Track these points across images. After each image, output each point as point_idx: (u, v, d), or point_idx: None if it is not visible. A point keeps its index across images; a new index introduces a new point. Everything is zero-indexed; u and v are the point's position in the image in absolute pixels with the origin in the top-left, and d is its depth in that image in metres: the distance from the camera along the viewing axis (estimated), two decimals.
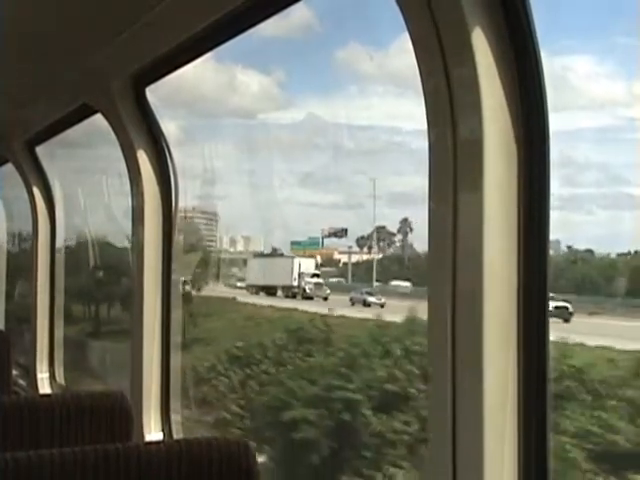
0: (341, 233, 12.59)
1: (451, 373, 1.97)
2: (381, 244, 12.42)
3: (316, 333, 10.47)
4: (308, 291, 12.21)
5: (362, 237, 12.47)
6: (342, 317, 10.78)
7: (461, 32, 1.90)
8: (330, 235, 12.76)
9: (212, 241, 14.31)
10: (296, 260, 12.72)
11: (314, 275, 12.57)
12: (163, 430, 3.84)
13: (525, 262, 1.93)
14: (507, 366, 1.93)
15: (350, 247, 12.60)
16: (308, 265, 12.63)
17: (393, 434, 7.95)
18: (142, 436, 3.71)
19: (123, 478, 1.98)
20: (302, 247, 13.28)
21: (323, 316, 10.81)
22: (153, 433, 3.80)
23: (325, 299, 11.95)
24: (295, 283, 12.47)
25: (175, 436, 3.82)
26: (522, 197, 1.93)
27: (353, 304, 11.35)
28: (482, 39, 1.89)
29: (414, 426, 7.75)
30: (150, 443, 2.83)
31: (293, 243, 13.56)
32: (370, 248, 12.37)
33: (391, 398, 8.31)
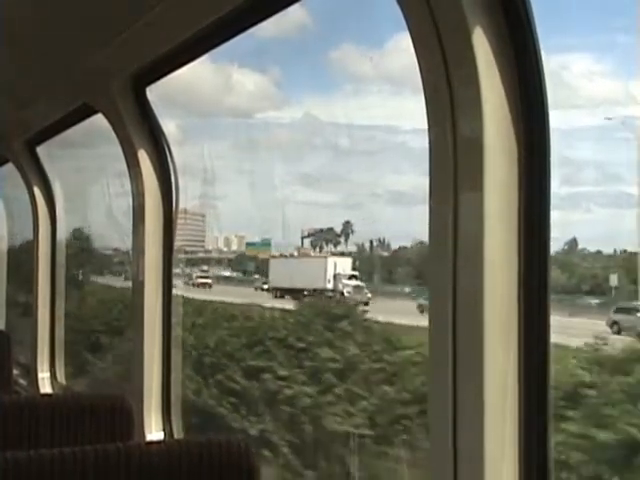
0: (319, 234, 12.02)
1: (452, 373, 1.96)
2: (329, 245, 11.87)
3: None
4: (346, 294, 10.41)
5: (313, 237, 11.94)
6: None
7: (461, 31, 1.89)
8: (309, 236, 12.19)
9: (201, 241, 13.88)
10: (330, 260, 11.04)
11: (352, 277, 10.79)
12: (164, 430, 3.84)
13: (526, 261, 1.93)
14: (508, 365, 1.93)
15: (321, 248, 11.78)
16: (344, 265, 10.89)
17: None
18: (143, 436, 3.71)
19: (124, 478, 1.98)
20: (256, 248, 12.44)
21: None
22: (154, 433, 3.80)
23: (366, 304, 10.02)
24: (329, 286, 10.72)
25: (176, 436, 3.82)
26: (522, 196, 1.93)
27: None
28: (482, 38, 1.89)
29: None
30: (151, 443, 2.83)
31: (248, 244, 12.72)
32: (321, 248, 11.78)
33: None
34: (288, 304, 10.36)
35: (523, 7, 1.90)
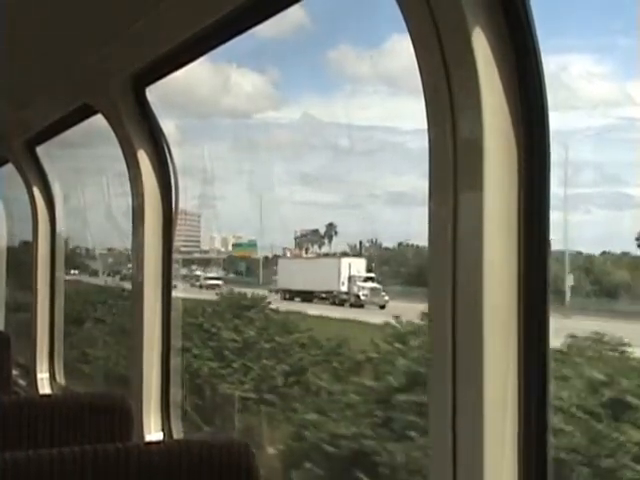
0: (312, 235, 11.90)
1: (451, 372, 1.96)
2: (314, 246, 11.78)
3: None
4: (363, 297, 10.06)
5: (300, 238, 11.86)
6: None
7: (461, 32, 1.89)
8: (302, 237, 12.09)
9: (197, 242, 13.74)
10: (344, 260, 10.63)
11: (368, 279, 10.42)
12: (163, 430, 3.84)
13: (525, 261, 1.93)
14: (507, 364, 1.93)
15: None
16: (359, 267, 10.48)
17: None
18: (142, 436, 3.71)
19: (123, 478, 1.98)
20: (243, 249, 12.46)
21: None
22: (153, 433, 3.80)
23: (382, 307, 9.78)
24: (344, 288, 10.34)
25: (175, 436, 3.82)
26: (522, 197, 1.93)
27: None
28: (482, 39, 1.89)
29: None
30: (150, 443, 2.83)
31: (235, 245, 12.71)
32: (307, 250, 11.69)
33: None
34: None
35: (523, 8, 1.90)
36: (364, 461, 6.59)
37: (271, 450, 7.21)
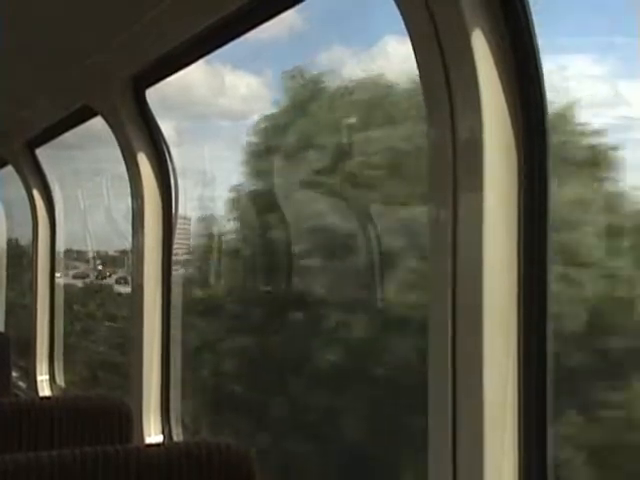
0: None
1: (451, 370, 1.96)
2: None
3: None
4: None
5: None
6: None
7: (461, 32, 1.89)
8: None
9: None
10: None
11: None
12: (163, 432, 3.83)
13: (526, 262, 1.92)
14: (507, 365, 1.93)
15: None
16: None
17: None
18: (142, 438, 3.70)
19: (123, 479, 1.98)
20: None
21: None
22: (153, 436, 3.79)
23: None
24: None
25: (175, 439, 3.81)
26: (522, 197, 1.92)
27: None
28: (482, 39, 1.88)
29: None
30: (150, 445, 2.82)
31: None
32: None
33: None
34: None
35: (522, 8, 1.90)
36: None
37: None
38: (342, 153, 4.90)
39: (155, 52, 3.32)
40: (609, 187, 3.04)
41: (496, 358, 1.92)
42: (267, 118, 5.39)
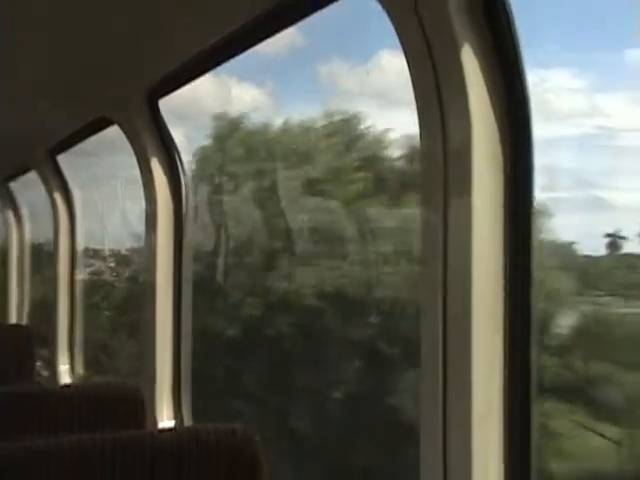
0: None
1: (442, 368, 1.94)
2: None
3: None
4: None
5: None
6: None
7: (451, 48, 1.87)
8: None
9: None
10: None
11: None
12: (175, 417, 3.82)
13: (511, 261, 1.91)
14: (494, 353, 1.91)
15: None
16: None
17: None
18: (155, 423, 3.69)
19: (138, 463, 1.96)
20: None
21: None
22: (166, 420, 3.78)
23: None
24: None
25: (186, 423, 3.80)
26: (508, 202, 1.91)
27: None
28: (471, 54, 1.87)
29: None
30: (163, 430, 2.81)
31: None
32: None
33: None
34: None
35: (508, 25, 1.88)
36: None
37: None
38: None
39: (168, 66, 3.32)
40: None
41: (484, 358, 1.90)
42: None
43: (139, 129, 3.75)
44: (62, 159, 5.51)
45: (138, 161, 3.87)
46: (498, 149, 1.90)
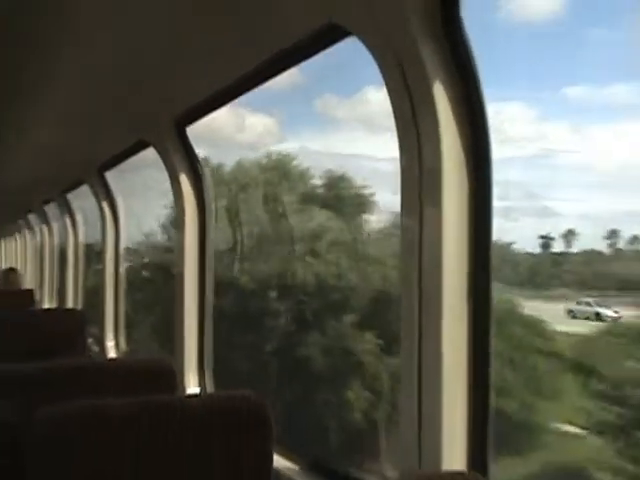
0: None
1: (418, 339, 1.93)
2: None
3: None
4: None
5: None
6: None
7: (425, 86, 1.86)
8: None
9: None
10: None
11: None
12: (200, 385, 3.81)
13: (475, 259, 1.90)
14: (461, 334, 1.90)
15: None
16: None
17: None
18: (184, 390, 3.67)
19: (169, 424, 1.94)
20: None
21: None
22: (192, 388, 3.77)
23: None
24: None
25: (208, 390, 3.79)
26: (471, 210, 1.90)
27: None
28: (441, 90, 1.86)
29: None
30: (189, 396, 2.79)
31: None
32: None
33: None
34: None
35: (472, 68, 1.88)
36: None
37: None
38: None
39: (194, 99, 3.33)
40: None
41: (452, 330, 1.89)
42: None
43: (170, 150, 3.76)
44: (108, 174, 5.51)
45: (170, 176, 3.87)
46: (463, 167, 1.89)
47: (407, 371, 1.97)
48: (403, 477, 1.38)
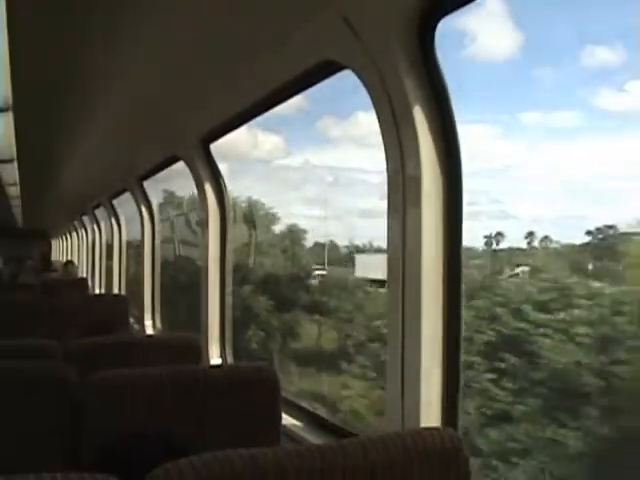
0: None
1: (401, 319, 1.90)
2: None
3: None
4: None
5: None
6: None
7: (407, 109, 1.83)
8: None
9: None
10: None
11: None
12: (222, 357, 3.79)
13: (449, 254, 1.87)
14: (437, 314, 1.86)
15: None
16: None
17: None
18: (208, 361, 3.65)
19: (194, 390, 1.91)
20: None
21: None
22: (215, 359, 3.75)
23: None
24: None
25: (229, 362, 3.77)
26: (445, 212, 1.87)
27: None
28: (420, 113, 1.83)
29: None
30: (212, 366, 2.76)
31: None
32: None
33: None
34: None
35: (444, 94, 1.84)
36: None
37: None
38: None
39: (216, 121, 3.30)
40: None
41: (430, 310, 1.85)
42: None
43: (196, 163, 3.74)
44: (146, 183, 5.48)
45: (196, 185, 3.85)
46: (439, 176, 1.86)
47: (393, 349, 1.94)
48: (390, 433, 1.37)
